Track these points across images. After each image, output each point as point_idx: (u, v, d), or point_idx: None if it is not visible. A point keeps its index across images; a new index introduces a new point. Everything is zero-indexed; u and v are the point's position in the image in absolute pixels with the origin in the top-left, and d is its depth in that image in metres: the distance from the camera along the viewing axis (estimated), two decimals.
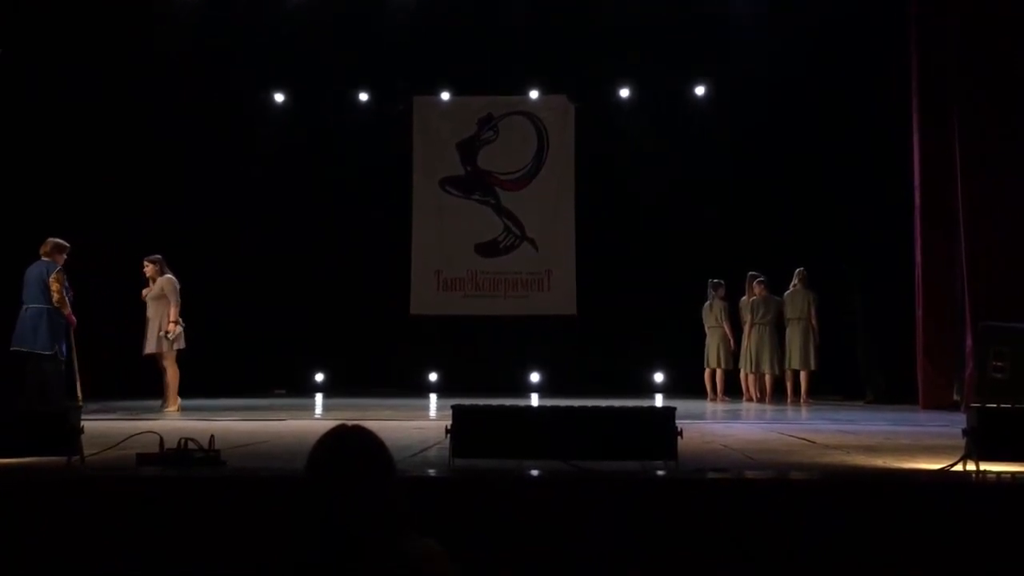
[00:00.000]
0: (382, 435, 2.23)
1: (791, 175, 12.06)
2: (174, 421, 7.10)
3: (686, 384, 11.84)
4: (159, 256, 9.21)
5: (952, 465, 4.34)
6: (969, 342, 8.77)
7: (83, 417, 4.65)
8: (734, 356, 10.98)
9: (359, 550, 2.10)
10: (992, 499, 3.96)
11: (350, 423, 2.26)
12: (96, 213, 10.27)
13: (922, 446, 5.67)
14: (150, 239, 11.07)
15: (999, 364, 7.90)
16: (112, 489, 4.04)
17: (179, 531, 3.82)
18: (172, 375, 9.02)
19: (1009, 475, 4.22)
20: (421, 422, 7.60)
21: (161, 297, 9.01)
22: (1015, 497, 3.94)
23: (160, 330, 8.98)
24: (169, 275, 9.12)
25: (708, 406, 10.20)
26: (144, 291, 9.17)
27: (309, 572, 2.11)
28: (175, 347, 9.04)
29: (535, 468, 4.29)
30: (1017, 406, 5.04)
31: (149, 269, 9.09)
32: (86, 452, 4.57)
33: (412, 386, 12.53)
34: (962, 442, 4.39)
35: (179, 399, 9.01)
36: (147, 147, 11.30)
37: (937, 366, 9.59)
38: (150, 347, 9.03)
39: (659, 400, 10.97)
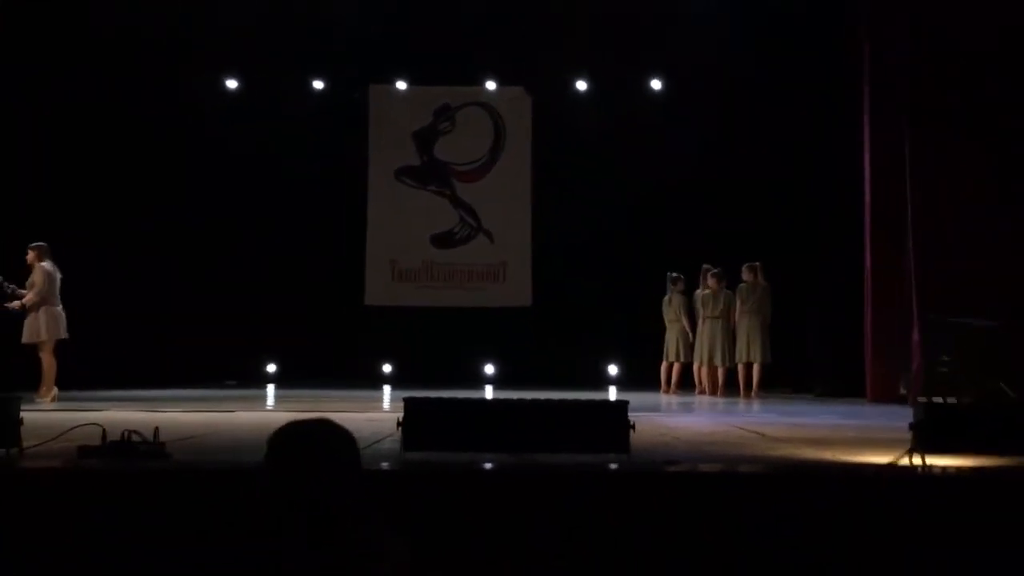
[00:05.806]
0: None
1: (746, 170, 12.16)
2: (118, 412, 6.93)
3: (640, 376, 11.91)
4: (42, 244, 8.88)
5: (898, 459, 4.40)
6: (916, 336, 8.93)
7: (23, 407, 4.53)
8: (691, 349, 11.06)
9: (326, 543, 2.07)
10: (937, 492, 4.02)
11: (311, 415, 2.22)
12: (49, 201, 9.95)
13: (869, 439, 5.74)
14: (99, 228, 10.83)
15: (945, 359, 8.06)
16: (52, 483, 3.94)
17: (122, 526, 3.73)
18: (48, 364, 8.78)
19: (954, 469, 4.29)
20: (374, 414, 7.52)
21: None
22: (960, 490, 4.02)
23: (37, 320, 8.69)
24: (45, 264, 8.81)
25: (662, 399, 10.26)
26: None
27: (276, 567, 2.07)
28: (55, 336, 8.81)
29: (487, 461, 4.26)
30: (962, 400, 5.13)
31: (31, 255, 8.78)
32: (25, 444, 4.45)
33: (366, 377, 12.43)
34: (908, 436, 4.46)
35: (55, 389, 8.78)
36: (96, 135, 11.01)
37: (885, 360, 9.75)
38: (26, 336, 8.76)
39: (613, 393, 11.00)
